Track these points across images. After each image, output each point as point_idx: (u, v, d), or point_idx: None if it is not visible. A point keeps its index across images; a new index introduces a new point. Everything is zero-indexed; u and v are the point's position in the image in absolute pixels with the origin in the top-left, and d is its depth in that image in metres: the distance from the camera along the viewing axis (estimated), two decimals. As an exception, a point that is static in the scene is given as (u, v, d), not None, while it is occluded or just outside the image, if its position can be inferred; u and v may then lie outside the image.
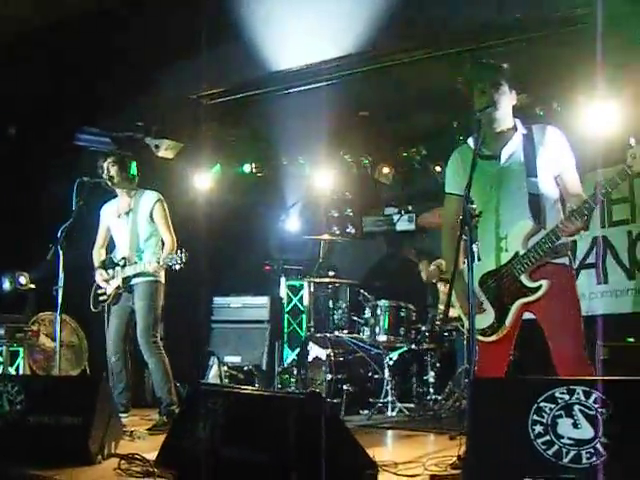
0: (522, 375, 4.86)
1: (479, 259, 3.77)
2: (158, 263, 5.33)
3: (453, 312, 4.24)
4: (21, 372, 6.71)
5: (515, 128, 3.82)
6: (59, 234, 5.18)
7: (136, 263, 5.56)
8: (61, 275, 5.13)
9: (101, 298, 5.72)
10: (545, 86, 6.51)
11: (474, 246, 3.58)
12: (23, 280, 6.98)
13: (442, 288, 7.14)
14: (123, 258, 5.63)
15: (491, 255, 3.76)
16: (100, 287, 5.74)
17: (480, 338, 3.75)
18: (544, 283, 3.60)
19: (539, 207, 3.68)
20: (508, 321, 3.71)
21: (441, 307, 6.93)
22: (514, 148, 3.77)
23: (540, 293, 3.61)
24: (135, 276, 5.57)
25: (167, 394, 5.52)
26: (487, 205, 3.76)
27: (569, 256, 3.73)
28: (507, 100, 3.78)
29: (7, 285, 6.96)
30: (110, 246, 5.92)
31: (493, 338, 3.74)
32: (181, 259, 5.18)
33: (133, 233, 5.66)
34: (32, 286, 7.04)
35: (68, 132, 7.52)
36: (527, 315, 3.78)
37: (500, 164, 3.78)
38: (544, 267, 3.64)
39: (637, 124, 5.97)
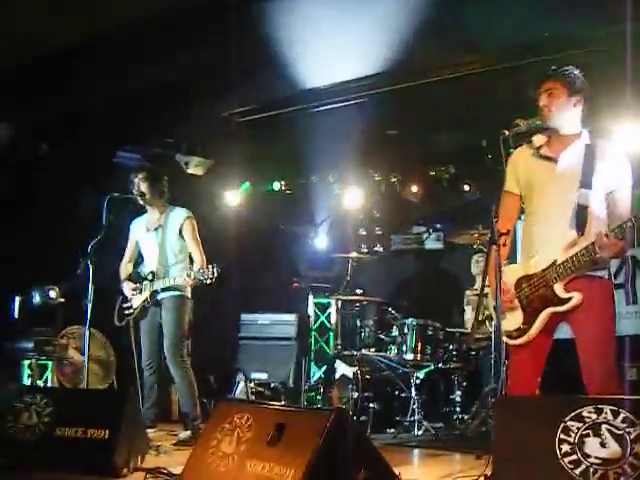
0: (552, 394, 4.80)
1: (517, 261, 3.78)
2: (189, 277, 5.35)
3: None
4: (49, 385, 6.75)
5: (580, 136, 3.79)
6: (89, 249, 5.24)
7: (164, 277, 5.62)
8: (90, 289, 5.18)
9: (126, 312, 5.77)
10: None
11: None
12: (53, 294, 7.04)
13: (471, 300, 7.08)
14: (151, 272, 5.68)
15: (531, 258, 3.73)
16: (126, 300, 5.79)
17: (508, 341, 3.73)
18: (576, 295, 3.55)
19: (585, 219, 3.62)
20: (535, 326, 3.66)
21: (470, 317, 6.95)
22: (574, 155, 3.73)
23: (570, 305, 3.56)
24: (163, 290, 5.62)
25: (193, 410, 5.55)
26: (538, 207, 3.76)
27: (609, 270, 3.67)
28: (568, 105, 3.73)
29: (37, 299, 7.03)
30: (138, 261, 5.98)
31: (520, 342, 3.69)
32: (213, 273, 5.21)
33: (162, 248, 5.71)
34: (62, 300, 7.09)
35: (101, 149, 7.61)
36: (562, 335, 3.75)
37: (557, 168, 3.75)
38: (580, 279, 3.58)
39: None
